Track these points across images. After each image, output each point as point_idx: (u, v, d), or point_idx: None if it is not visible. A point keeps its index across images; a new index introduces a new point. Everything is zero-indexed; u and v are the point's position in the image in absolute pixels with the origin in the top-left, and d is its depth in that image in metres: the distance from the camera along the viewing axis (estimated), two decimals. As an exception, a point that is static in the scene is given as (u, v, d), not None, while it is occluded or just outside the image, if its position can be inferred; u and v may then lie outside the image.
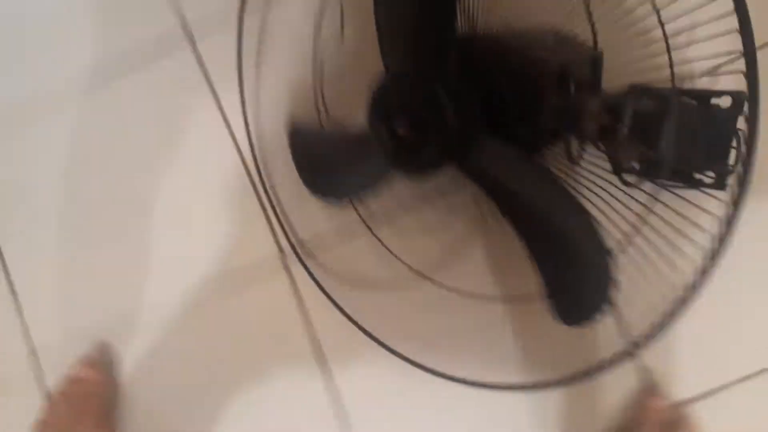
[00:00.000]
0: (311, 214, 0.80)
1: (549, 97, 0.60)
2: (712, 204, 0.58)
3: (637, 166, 0.60)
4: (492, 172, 0.60)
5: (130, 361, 0.83)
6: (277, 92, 0.80)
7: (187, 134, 0.83)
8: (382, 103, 0.60)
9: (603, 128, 0.59)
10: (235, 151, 0.82)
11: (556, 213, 0.59)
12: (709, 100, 0.58)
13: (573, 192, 0.61)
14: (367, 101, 0.60)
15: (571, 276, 0.60)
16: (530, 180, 0.59)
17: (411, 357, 0.72)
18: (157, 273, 0.83)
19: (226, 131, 0.82)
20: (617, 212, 0.64)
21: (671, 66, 0.61)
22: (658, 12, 0.60)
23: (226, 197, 0.82)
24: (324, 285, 0.78)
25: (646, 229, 0.65)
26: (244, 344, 0.81)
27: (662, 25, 0.60)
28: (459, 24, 0.61)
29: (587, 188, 0.64)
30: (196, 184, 0.83)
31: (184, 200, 0.83)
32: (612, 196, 0.64)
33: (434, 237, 0.76)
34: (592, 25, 0.62)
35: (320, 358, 0.79)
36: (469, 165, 0.60)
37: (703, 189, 0.58)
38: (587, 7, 0.61)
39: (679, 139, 0.56)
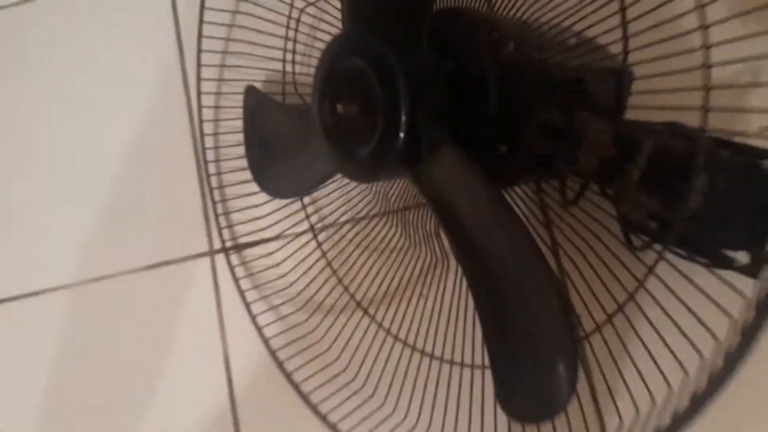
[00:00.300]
0: (255, 212, 0.67)
1: (544, 111, 0.45)
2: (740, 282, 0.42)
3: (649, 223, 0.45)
4: (446, 195, 0.45)
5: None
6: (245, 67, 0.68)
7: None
8: (330, 71, 0.46)
9: (608, 165, 0.44)
10: (188, 123, 0.70)
11: (515, 275, 0.44)
12: (757, 162, 0.42)
13: (545, 248, 0.46)
14: (317, 65, 0.47)
15: (524, 358, 0.44)
16: (490, 219, 0.44)
17: (322, 409, 0.58)
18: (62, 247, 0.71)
19: (183, 97, 0.70)
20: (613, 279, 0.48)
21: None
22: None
23: (167, 178, 0.70)
24: (247, 297, 0.64)
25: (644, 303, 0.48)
26: (152, 341, 0.68)
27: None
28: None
29: (573, 243, 0.48)
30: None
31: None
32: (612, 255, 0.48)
33: (392, 262, 0.61)
34: (625, 40, 0.47)
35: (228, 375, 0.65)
36: (419, 175, 0.46)
37: (728, 269, 0.42)
38: (623, 15, 0.46)
39: (710, 201, 0.41)
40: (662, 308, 0.40)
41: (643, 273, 0.41)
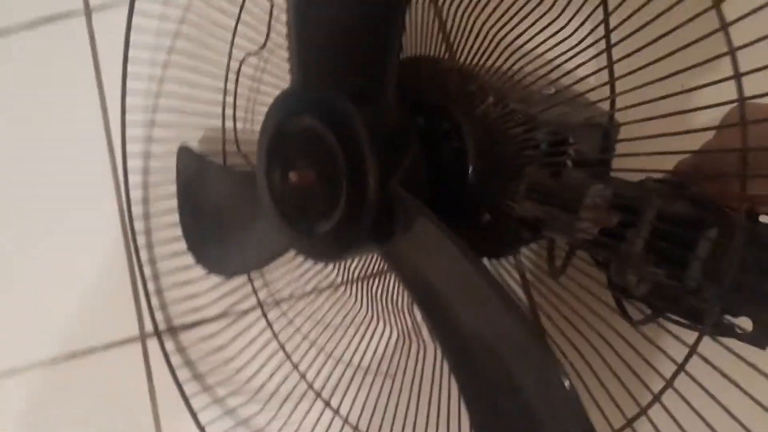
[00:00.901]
0: (193, 288, 0.58)
1: (531, 173, 0.40)
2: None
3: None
4: (424, 272, 0.38)
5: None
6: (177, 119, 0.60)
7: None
8: (279, 133, 0.39)
9: (606, 232, 0.38)
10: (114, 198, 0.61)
11: (509, 360, 0.38)
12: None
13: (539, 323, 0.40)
14: (262, 126, 0.40)
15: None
16: (477, 298, 0.37)
17: None
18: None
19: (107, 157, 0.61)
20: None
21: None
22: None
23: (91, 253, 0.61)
24: (186, 389, 0.55)
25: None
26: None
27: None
28: (407, 36, 0.42)
29: (564, 316, 0.42)
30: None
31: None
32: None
33: (354, 340, 0.53)
34: (612, 85, 0.42)
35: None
36: (390, 251, 0.39)
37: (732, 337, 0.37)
38: (609, 57, 0.41)
39: (715, 266, 0.36)
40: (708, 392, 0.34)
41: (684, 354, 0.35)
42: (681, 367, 0.36)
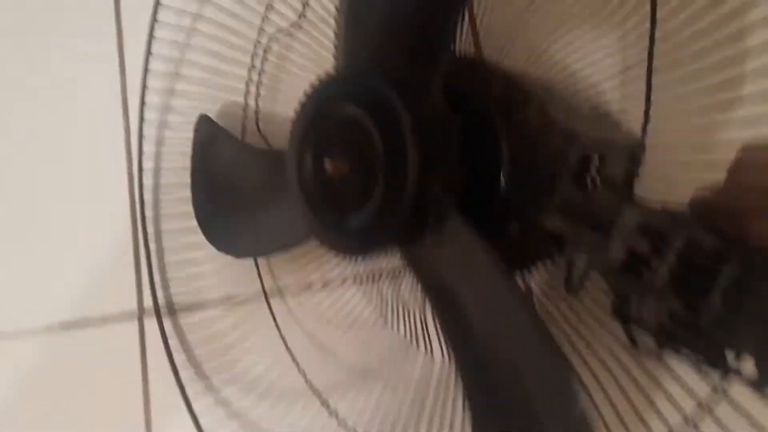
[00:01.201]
0: (197, 271, 0.56)
1: (564, 189, 0.38)
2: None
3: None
4: (449, 280, 0.37)
5: None
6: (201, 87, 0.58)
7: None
8: (317, 118, 0.38)
9: (635, 258, 0.37)
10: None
11: (524, 368, 0.36)
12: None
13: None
14: (296, 110, 0.38)
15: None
16: (503, 312, 0.36)
17: None
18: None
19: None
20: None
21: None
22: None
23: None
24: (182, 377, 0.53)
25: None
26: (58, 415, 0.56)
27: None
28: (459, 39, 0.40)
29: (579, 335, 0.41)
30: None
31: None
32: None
33: (358, 339, 0.52)
34: (647, 106, 0.41)
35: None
36: (415, 255, 0.38)
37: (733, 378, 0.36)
38: (649, 78, 0.40)
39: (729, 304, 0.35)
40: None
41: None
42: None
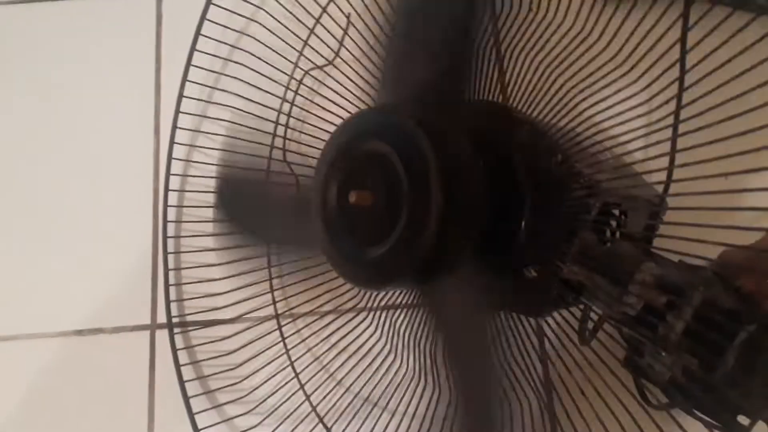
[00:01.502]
0: (212, 287, 0.57)
1: (583, 238, 0.39)
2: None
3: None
4: (449, 315, 0.38)
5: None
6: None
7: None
8: (346, 150, 0.39)
9: (651, 312, 0.38)
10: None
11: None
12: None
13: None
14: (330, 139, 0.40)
15: None
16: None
17: None
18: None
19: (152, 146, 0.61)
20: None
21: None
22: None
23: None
24: (188, 389, 0.54)
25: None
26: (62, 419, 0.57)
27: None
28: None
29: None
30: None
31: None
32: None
33: (366, 369, 0.52)
34: (670, 171, 0.41)
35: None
36: (427, 287, 0.39)
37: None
38: (674, 136, 0.41)
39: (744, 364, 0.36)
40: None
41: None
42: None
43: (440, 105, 0.39)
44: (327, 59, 0.55)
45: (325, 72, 0.56)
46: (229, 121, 0.59)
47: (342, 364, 0.53)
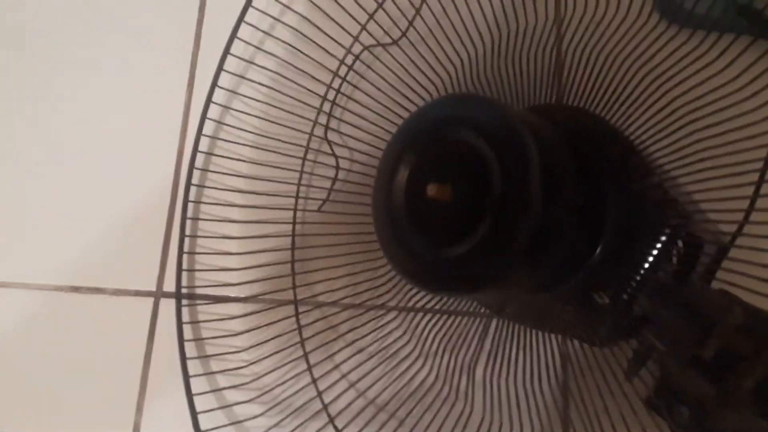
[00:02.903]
0: (228, 261, 0.53)
1: (665, 272, 0.36)
2: None
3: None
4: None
5: None
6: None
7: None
8: (424, 136, 0.35)
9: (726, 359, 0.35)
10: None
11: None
12: None
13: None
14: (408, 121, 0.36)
15: None
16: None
17: None
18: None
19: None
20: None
21: None
22: None
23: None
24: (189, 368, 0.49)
25: None
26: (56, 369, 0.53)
27: None
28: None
29: None
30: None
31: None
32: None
33: (387, 370, 0.48)
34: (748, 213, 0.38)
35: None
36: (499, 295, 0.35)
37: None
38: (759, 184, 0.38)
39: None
40: None
41: None
42: None
43: (537, 105, 0.36)
44: (392, 38, 0.51)
45: (387, 51, 0.52)
46: (271, 88, 0.55)
47: (361, 364, 0.49)
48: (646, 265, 0.36)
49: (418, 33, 0.50)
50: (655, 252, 0.36)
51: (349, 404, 0.48)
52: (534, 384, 0.43)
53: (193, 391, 0.49)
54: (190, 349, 0.51)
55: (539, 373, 0.43)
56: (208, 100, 0.54)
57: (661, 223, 0.36)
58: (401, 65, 0.51)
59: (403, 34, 0.51)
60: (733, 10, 0.47)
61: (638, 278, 0.36)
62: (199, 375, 0.50)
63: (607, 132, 0.38)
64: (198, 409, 0.48)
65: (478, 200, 0.33)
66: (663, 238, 0.36)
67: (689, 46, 0.37)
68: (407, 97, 0.51)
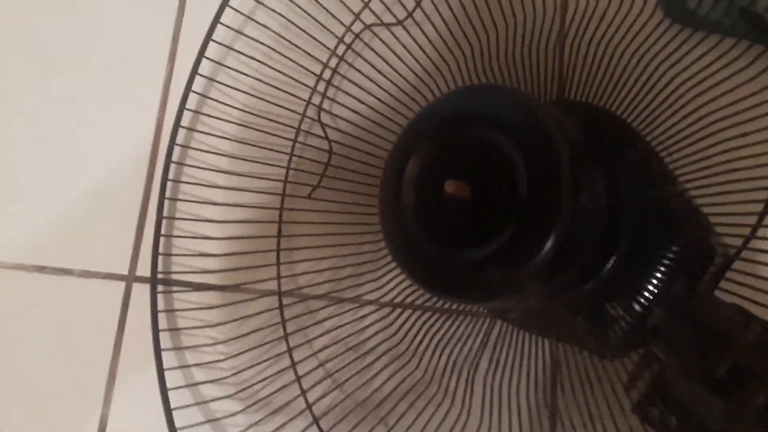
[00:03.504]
0: (208, 247, 0.50)
1: (684, 282, 0.35)
2: None
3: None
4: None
5: None
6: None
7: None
8: (439, 129, 0.33)
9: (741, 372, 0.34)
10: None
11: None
12: None
13: None
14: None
15: None
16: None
17: None
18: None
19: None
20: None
21: None
22: None
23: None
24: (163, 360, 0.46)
25: None
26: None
27: None
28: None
29: None
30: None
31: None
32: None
33: (375, 367, 0.46)
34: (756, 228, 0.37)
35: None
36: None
37: None
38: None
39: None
40: None
41: None
42: None
43: (560, 102, 0.34)
44: (396, 18, 0.48)
45: (390, 31, 0.49)
46: (262, 62, 0.51)
47: (349, 363, 0.46)
48: (662, 276, 0.35)
49: (426, 14, 0.48)
50: (671, 263, 0.35)
51: (335, 404, 0.46)
52: (529, 392, 0.42)
53: (168, 386, 0.46)
54: (165, 340, 0.48)
55: (534, 381, 0.42)
56: (194, 72, 0.51)
57: (681, 234, 0.35)
58: (405, 47, 0.48)
59: (410, 15, 0.48)
60: (736, 13, 0.46)
61: (653, 289, 0.35)
62: (174, 368, 0.47)
63: (627, 134, 0.37)
64: (172, 404, 0.45)
65: (499, 201, 0.31)
66: (680, 249, 0.35)
67: (717, 52, 0.35)
68: (409, 82, 0.48)
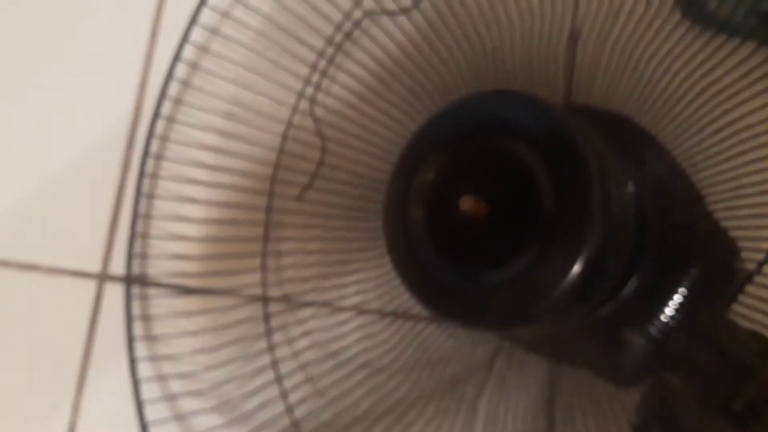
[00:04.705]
0: (187, 248, 0.47)
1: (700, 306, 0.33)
2: None
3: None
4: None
5: None
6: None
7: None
8: (451, 138, 0.31)
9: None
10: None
11: None
12: None
13: None
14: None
15: None
16: None
17: None
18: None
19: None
20: None
21: None
22: None
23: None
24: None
25: None
26: None
27: None
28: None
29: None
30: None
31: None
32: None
33: (365, 383, 0.44)
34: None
35: None
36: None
37: None
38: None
39: None
40: None
41: None
42: None
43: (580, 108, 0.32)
44: (398, 7, 0.46)
45: (393, 21, 0.46)
46: (251, 49, 0.48)
47: (339, 374, 0.44)
48: (683, 301, 0.33)
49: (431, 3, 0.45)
50: (694, 288, 0.33)
51: (324, 422, 0.44)
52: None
53: (143, 397, 0.43)
54: (140, 347, 0.45)
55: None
56: (176, 58, 0.47)
57: (705, 257, 0.33)
58: (409, 39, 0.46)
59: (416, 5, 0.45)
60: (755, 16, 0.45)
61: (673, 314, 0.33)
62: (150, 379, 0.45)
63: (651, 148, 0.35)
64: (148, 418, 0.43)
65: (520, 218, 0.29)
66: (704, 274, 0.33)
67: (755, 60, 0.33)
68: (411, 77, 0.46)
